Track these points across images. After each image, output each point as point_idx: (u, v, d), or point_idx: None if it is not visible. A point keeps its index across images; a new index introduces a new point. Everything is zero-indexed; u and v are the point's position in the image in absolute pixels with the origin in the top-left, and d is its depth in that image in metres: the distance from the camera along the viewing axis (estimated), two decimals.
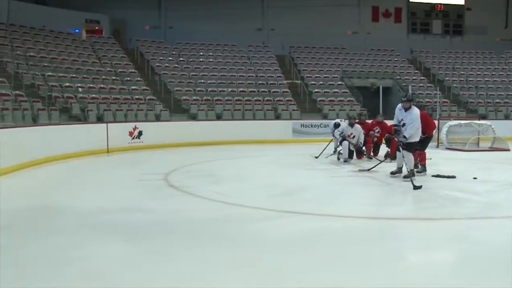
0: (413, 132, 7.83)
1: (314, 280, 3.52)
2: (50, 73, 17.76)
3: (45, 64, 18.37)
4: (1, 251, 4.13)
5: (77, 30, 24.09)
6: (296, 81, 22.45)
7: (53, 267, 3.77)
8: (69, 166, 10.17)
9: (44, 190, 7.41)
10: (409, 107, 8.00)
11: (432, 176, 8.39)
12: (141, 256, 4.09)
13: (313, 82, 22.31)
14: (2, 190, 7.22)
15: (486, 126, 14.75)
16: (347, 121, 11.40)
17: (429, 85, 23.42)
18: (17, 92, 15.13)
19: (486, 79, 24.41)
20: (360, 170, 8.33)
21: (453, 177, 8.16)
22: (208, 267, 3.80)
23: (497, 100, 22.37)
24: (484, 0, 28.73)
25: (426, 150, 9.03)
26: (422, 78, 24.15)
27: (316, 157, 11.40)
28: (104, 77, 19.05)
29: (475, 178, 8.00)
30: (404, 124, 7.82)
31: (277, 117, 19.04)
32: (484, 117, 18.54)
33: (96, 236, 4.67)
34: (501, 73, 25.07)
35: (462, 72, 24.92)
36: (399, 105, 8.12)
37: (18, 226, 5.12)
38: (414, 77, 24.02)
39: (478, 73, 25.00)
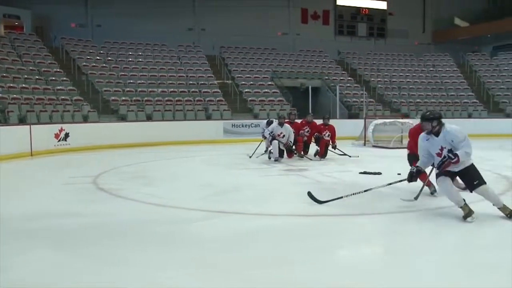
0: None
1: (250, 279, 3.58)
2: None
3: None
4: None
5: None
6: (227, 81, 22.53)
7: None
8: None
9: None
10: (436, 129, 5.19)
11: (360, 173, 8.77)
12: (76, 262, 3.96)
13: (243, 82, 22.47)
14: None
15: (409, 124, 15.50)
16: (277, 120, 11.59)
17: (355, 85, 24.33)
18: None
19: (408, 80, 25.74)
20: (404, 200, 6.05)
21: (379, 173, 8.56)
22: (144, 269, 3.76)
23: (417, 100, 23.68)
24: (404, 6, 30.42)
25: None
26: (350, 78, 25.04)
27: (250, 157, 11.51)
28: (26, 76, 18.10)
29: (399, 174, 8.39)
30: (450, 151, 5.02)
31: (208, 117, 19.01)
32: (406, 116, 19.51)
33: (27, 244, 4.46)
34: (420, 74, 26.53)
35: (386, 73, 26.12)
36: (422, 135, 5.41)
37: None
38: (342, 78, 24.86)
39: (401, 74, 26.30)
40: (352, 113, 21.85)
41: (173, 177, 8.91)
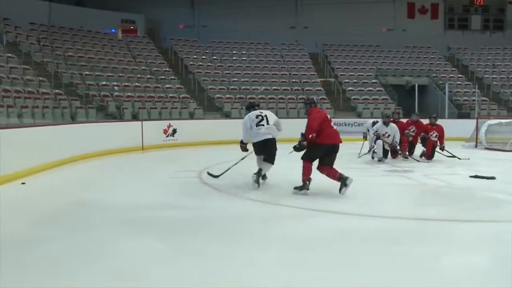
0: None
1: (343, 280, 3.48)
2: (88, 72, 18.19)
3: (83, 64, 18.83)
4: (36, 244, 4.26)
5: (113, 30, 24.58)
6: (330, 79, 22.29)
7: (85, 262, 3.83)
8: (105, 163, 10.35)
9: (80, 186, 7.56)
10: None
11: (470, 176, 8.16)
12: (172, 253, 4.12)
13: (346, 80, 22.08)
14: (42, 185, 7.44)
15: None
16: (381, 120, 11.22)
17: (467, 83, 22.85)
18: (57, 91, 15.55)
19: None
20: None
21: (493, 178, 7.91)
22: (235, 265, 3.81)
23: None
24: None
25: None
26: (460, 75, 23.57)
27: (359, 157, 11.24)
28: (139, 75, 19.38)
29: None
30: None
31: None
32: None
33: (128, 232, 4.73)
34: None
35: (503, 69, 24.19)
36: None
37: (54, 220, 5.25)
38: (452, 75, 23.47)
39: None
40: (462, 113, 20.51)
41: (274, 174, 8.96)
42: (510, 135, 13.98)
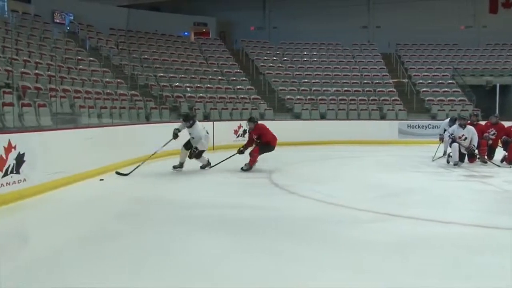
0: None
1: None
2: (162, 74, 18.84)
3: (157, 66, 19.53)
4: (111, 239, 4.45)
5: (186, 33, 25.30)
6: (403, 80, 21.59)
7: (159, 256, 3.96)
8: (177, 162, 10.61)
9: (154, 184, 7.83)
10: None
11: None
12: (244, 252, 4.16)
13: (421, 81, 21.30)
14: (119, 182, 7.78)
15: None
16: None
17: None
18: (133, 92, 16.22)
19: None
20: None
21: None
22: (308, 266, 3.77)
23: None
24: None
25: None
26: None
27: (433, 160, 10.83)
28: (210, 77, 19.81)
29: None
30: None
31: (382, 117, 18.45)
32: None
33: (201, 229, 4.83)
34: None
35: None
36: None
37: (128, 216, 5.48)
38: None
39: None
40: None
41: (344, 176, 8.84)
42: None
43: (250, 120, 9.86)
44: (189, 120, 9.17)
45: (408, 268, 3.78)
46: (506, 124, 10.80)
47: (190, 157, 9.15)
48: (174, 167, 9.19)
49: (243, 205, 6.09)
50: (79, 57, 16.78)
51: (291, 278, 3.55)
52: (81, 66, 15.93)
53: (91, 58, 17.35)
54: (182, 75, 19.30)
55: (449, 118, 11.93)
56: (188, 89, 18.42)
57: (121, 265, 3.77)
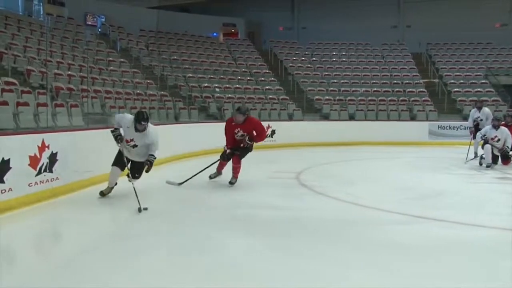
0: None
1: None
2: (191, 75, 18.99)
3: (186, 66, 19.69)
4: (144, 237, 4.49)
5: (215, 34, 25.45)
6: (434, 80, 21.17)
7: (189, 256, 3.99)
8: (206, 162, 10.64)
9: (184, 183, 7.85)
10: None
11: None
12: (272, 251, 4.15)
13: (452, 81, 20.85)
14: (148, 181, 7.83)
15: None
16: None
17: None
18: (162, 92, 16.39)
19: None
20: None
21: None
22: (336, 267, 3.77)
23: None
24: None
25: None
26: None
27: (466, 162, 10.61)
28: (239, 77, 19.86)
29: None
30: None
31: (413, 118, 18.14)
32: None
33: (229, 230, 4.85)
34: None
35: None
36: None
37: (161, 215, 5.51)
38: None
39: None
40: None
41: (373, 178, 8.72)
42: None
43: (239, 111, 7.42)
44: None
45: (431, 270, 3.73)
46: None
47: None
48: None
49: (272, 205, 6.07)
50: (110, 58, 17.07)
51: (322, 277, 3.54)
52: (112, 67, 16.20)
53: (122, 59, 17.62)
54: (211, 76, 19.41)
55: (474, 109, 11.72)
56: (217, 89, 18.52)
57: (151, 263, 3.80)
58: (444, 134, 16.43)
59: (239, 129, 7.42)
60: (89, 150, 7.14)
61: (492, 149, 9.74)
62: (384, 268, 3.76)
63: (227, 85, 18.95)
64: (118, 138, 6.11)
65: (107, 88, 13.87)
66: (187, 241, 4.41)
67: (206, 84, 18.56)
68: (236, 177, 7.57)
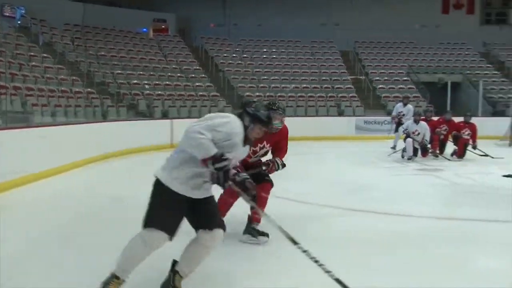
0: None
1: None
2: (119, 71, 18.51)
3: (115, 63, 19.17)
4: (73, 238, 4.37)
5: (144, 29, 24.89)
6: (360, 77, 22.02)
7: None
8: (136, 160, 10.49)
9: (114, 183, 7.65)
10: None
11: (504, 176, 7.94)
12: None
13: (377, 78, 21.79)
14: (78, 181, 7.60)
15: None
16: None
17: (503, 79, 22.17)
18: (89, 89, 15.87)
19: None
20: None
21: None
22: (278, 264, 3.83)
23: None
24: None
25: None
26: (495, 72, 22.83)
27: (389, 155, 11.22)
28: (169, 74, 19.60)
29: None
30: None
31: (340, 113, 18.77)
32: None
33: None
34: None
35: None
36: None
37: (93, 216, 5.35)
38: (486, 72, 22.77)
39: None
40: (496, 111, 19.91)
41: (305, 173, 8.90)
42: None
43: (278, 109, 4.28)
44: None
45: (371, 263, 3.84)
46: (457, 120, 11.21)
47: None
48: None
49: None
50: (32, 53, 16.27)
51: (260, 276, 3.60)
52: (34, 63, 15.45)
53: (45, 54, 16.83)
54: (140, 72, 18.99)
55: (398, 105, 12.67)
56: (146, 86, 18.15)
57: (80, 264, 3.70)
58: (369, 129, 17.11)
59: (265, 143, 4.46)
60: (10, 150, 6.73)
61: (413, 142, 10.33)
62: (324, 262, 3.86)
63: (157, 82, 18.62)
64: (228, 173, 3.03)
65: (28, 85, 13.24)
66: (121, 242, 4.31)
67: (135, 81, 18.15)
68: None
